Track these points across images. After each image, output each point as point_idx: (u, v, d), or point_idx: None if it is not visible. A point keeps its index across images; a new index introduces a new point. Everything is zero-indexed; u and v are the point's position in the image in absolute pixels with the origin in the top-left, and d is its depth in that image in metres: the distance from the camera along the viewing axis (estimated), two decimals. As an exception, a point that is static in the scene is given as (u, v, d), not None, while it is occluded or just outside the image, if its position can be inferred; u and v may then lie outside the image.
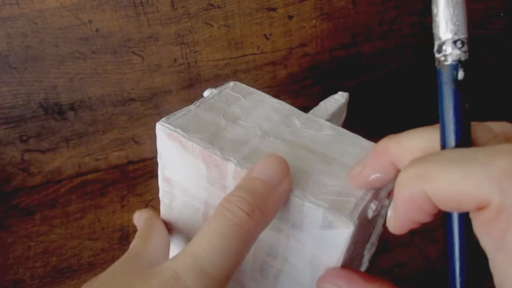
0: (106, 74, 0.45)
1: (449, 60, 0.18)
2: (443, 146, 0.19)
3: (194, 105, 0.28)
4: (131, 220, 0.43)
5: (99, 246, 0.41)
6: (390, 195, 0.24)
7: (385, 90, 0.54)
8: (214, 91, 0.30)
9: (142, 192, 0.47)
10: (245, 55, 0.47)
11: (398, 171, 0.21)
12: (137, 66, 0.45)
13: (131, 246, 0.27)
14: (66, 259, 0.40)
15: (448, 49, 0.18)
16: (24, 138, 0.46)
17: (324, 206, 0.22)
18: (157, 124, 0.26)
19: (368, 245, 0.29)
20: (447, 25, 0.19)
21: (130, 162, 0.50)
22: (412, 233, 0.40)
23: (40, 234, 0.43)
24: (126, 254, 0.25)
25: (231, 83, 0.31)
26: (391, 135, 0.21)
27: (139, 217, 0.30)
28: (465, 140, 0.18)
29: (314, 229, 0.23)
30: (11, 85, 0.43)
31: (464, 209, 0.17)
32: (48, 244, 0.42)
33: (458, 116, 0.18)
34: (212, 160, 0.25)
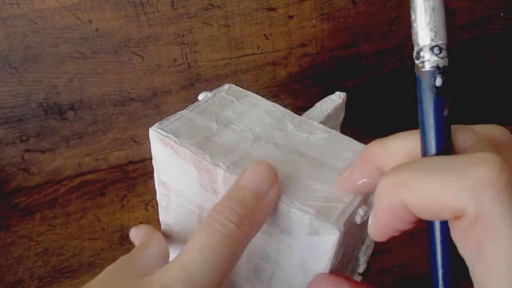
0: (106, 74, 0.45)
1: (427, 67, 0.18)
2: (424, 153, 0.18)
3: (187, 109, 0.29)
4: (131, 220, 0.43)
5: (99, 246, 0.41)
6: (367, 202, 0.24)
7: (385, 90, 0.54)
8: (209, 94, 0.30)
9: (142, 192, 0.47)
10: (245, 55, 0.47)
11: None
12: (137, 66, 0.45)
13: (131, 252, 0.27)
14: (66, 259, 0.40)
15: (426, 55, 0.18)
16: (24, 138, 0.46)
17: (311, 213, 0.22)
18: (150, 130, 0.27)
19: (363, 248, 0.29)
20: (424, 31, 0.19)
21: (130, 162, 0.50)
22: (412, 233, 0.40)
23: (40, 234, 0.43)
24: (119, 261, 0.25)
25: (226, 86, 0.31)
26: (378, 139, 0.21)
27: (137, 233, 0.31)
28: (445, 147, 0.18)
29: (302, 235, 0.23)
30: (11, 85, 0.43)
31: (441, 218, 0.17)
32: (48, 244, 0.42)
33: (437, 123, 0.18)
34: (202, 165, 0.25)
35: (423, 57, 0.18)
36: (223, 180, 0.25)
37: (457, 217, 0.16)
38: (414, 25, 0.19)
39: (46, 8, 0.40)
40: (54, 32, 0.41)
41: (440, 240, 0.19)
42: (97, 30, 0.42)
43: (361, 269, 0.32)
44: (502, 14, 0.53)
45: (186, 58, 0.46)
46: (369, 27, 0.49)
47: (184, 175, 0.27)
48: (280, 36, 0.47)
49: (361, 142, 0.51)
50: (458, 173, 0.16)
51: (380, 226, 0.19)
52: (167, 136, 0.26)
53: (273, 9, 0.45)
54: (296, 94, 0.51)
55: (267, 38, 0.47)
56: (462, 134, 0.18)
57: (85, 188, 0.47)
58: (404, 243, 0.39)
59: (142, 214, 0.44)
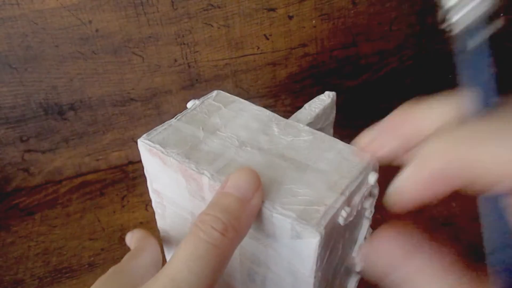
0: (106, 74, 0.45)
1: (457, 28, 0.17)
2: (478, 114, 0.17)
3: (175, 118, 0.29)
4: (131, 220, 0.43)
5: (99, 246, 0.41)
6: (350, 203, 0.24)
7: (385, 90, 0.54)
8: (197, 102, 0.31)
9: (142, 192, 0.46)
10: (245, 55, 0.47)
11: (420, 141, 0.19)
12: (137, 66, 0.45)
13: (124, 258, 0.27)
14: (66, 259, 0.40)
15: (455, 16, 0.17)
16: (24, 138, 0.46)
17: (292, 217, 0.22)
18: (139, 141, 0.28)
19: (357, 247, 0.29)
20: None
21: (130, 162, 0.50)
22: (412, 233, 0.40)
23: (40, 234, 0.43)
24: (110, 271, 0.25)
25: (214, 93, 0.32)
26: (408, 104, 0.19)
27: (131, 237, 0.31)
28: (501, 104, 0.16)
29: (285, 239, 0.23)
30: (11, 85, 0.43)
31: (499, 190, 0.16)
32: (48, 244, 0.42)
33: (483, 84, 0.17)
34: (189, 174, 0.26)
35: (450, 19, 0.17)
36: (208, 187, 0.25)
37: None
38: None
39: (46, 8, 0.40)
40: (54, 32, 0.41)
41: (497, 215, 0.17)
42: (97, 30, 0.42)
43: (358, 267, 0.32)
44: (502, 14, 0.53)
45: (186, 58, 0.46)
46: (369, 27, 0.49)
47: (174, 183, 0.28)
48: (280, 36, 0.47)
49: (361, 142, 0.50)
50: None
51: (415, 193, 0.18)
52: (154, 147, 0.27)
53: (273, 9, 0.45)
54: (296, 94, 0.51)
55: (267, 38, 0.47)
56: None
57: (85, 188, 0.47)
58: (404, 243, 0.39)
59: (142, 214, 0.44)
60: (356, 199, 0.25)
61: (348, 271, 0.32)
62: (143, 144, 0.27)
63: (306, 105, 0.33)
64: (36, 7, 0.40)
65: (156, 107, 0.48)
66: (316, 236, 0.22)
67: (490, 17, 0.17)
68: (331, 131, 0.37)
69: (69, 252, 0.41)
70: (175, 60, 0.46)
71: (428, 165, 0.17)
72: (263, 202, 0.23)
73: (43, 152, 0.47)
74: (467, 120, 0.17)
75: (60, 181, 0.48)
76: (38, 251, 0.41)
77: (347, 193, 0.24)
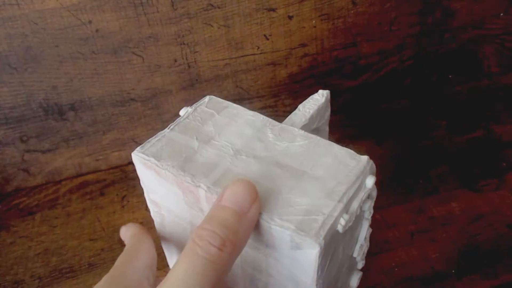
0: (106, 74, 0.45)
1: None
2: None
3: (169, 128, 0.29)
4: (131, 220, 0.43)
5: (99, 246, 0.41)
6: (349, 210, 0.25)
7: (385, 90, 0.54)
8: (189, 109, 0.30)
9: (142, 193, 0.46)
10: (245, 55, 0.47)
11: None
12: (137, 66, 0.45)
13: (115, 264, 0.27)
14: (66, 259, 0.40)
15: None
16: (24, 138, 0.46)
17: (291, 228, 0.22)
18: (133, 154, 0.27)
19: (357, 247, 0.29)
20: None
21: (130, 163, 0.50)
22: (412, 233, 0.40)
23: (40, 234, 0.43)
24: (105, 278, 0.25)
25: (206, 98, 0.31)
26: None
27: (125, 232, 0.30)
28: None
29: (285, 250, 0.23)
30: (11, 85, 0.43)
31: None
32: (48, 244, 0.42)
33: None
34: (185, 186, 0.25)
35: None
36: (206, 200, 0.25)
37: None
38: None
39: (46, 8, 0.40)
40: (54, 32, 0.41)
41: None
42: (97, 30, 0.42)
43: (359, 265, 0.32)
44: (502, 14, 0.53)
45: (186, 58, 0.46)
46: (369, 27, 0.49)
47: (171, 195, 0.27)
48: (280, 36, 0.47)
49: (361, 142, 0.51)
50: None
51: None
52: (148, 160, 0.27)
53: (273, 9, 0.45)
54: (296, 94, 0.51)
55: (267, 38, 0.47)
56: None
57: (85, 188, 0.47)
58: (404, 243, 0.39)
59: (142, 214, 0.44)
60: (355, 204, 0.24)
61: (351, 269, 0.32)
62: (137, 157, 0.27)
63: (300, 106, 0.33)
64: (36, 7, 0.40)
65: (156, 107, 0.48)
66: (316, 248, 0.22)
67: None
68: (327, 128, 0.37)
69: (69, 252, 0.41)
70: (175, 60, 0.46)
71: None
72: (261, 213, 0.23)
73: (43, 152, 0.47)
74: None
75: (60, 181, 0.48)
76: (38, 251, 0.41)
77: (344, 200, 0.24)
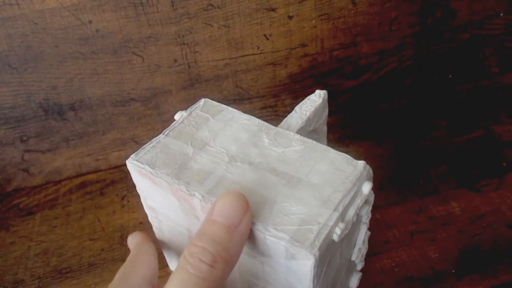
0: (106, 74, 0.45)
1: None
2: None
3: (163, 133, 0.29)
4: (131, 220, 0.43)
5: (99, 246, 0.41)
6: (344, 219, 0.25)
7: (385, 90, 0.54)
8: (184, 113, 0.30)
9: (142, 192, 0.47)
10: (245, 55, 0.47)
11: None
12: (137, 66, 0.45)
13: (118, 272, 0.27)
14: (66, 259, 0.40)
15: None
16: (24, 138, 0.46)
17: (285, 239, 0.22)
18: (127, 162, 0.27)
19: (355, 251, 0.29)
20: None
21: (130, 162, 0.50)
22: (412, 233, 0.40)
23: (40, 234, 0.43)
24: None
25: (202, 101, 0.31)
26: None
27: (131, 241, 0.30)
28: None
29: (281, 259, 0.23)
30: (11, 85, 0.43)
31: None
32: (48, 244, 0.42)
33: None
34: (180, 195, 0.25)
35: None
36: (200, 208, 0.25)
37: None
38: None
39: (46, 8, 0.40)
40: (54, 32, 0.41)
41: None
42: (97, 30, 0.42)
43: (359, 267, 0.32)
44: (502, 14, 0.53)
45: (186, 58, 0.46)
46: (369, 27, 0.49)
47: (167, 202, 0.27)
48: (280, 36, 0.47)
49: (361, 142, 0.51)
50: None
51: None
52: (143, 168, 0.26)
53: (273, 9, 0.45)
54: (296, 94, 0.51)
55: (267, 38, 0.47)
56: None
57: (85, 188, 0.47)
58: (404, 243, 0.39)
59: (142, 214, 0.44)
60: (351, 212, 0.24)
61: (350, 270, 0.32)
62: (131, 165, 0.27)
63: (297, 108, 0.33)
64: (36, 7, 0.40)
65: (156, 107, 0.48)
66: (311, 259, 0.21)
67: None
68: (325, 128, 0.36)
69: (69, 252, 0.41)
70: (175, 60, 0.46)
71: None
72: (255, 223, 0.23)
73: (43, 152, 0.47)
74: None
75: (60, 181, 0.48)
76: (38, 251, 0.41)
77: (340, 208, 0.23)
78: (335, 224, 0.23)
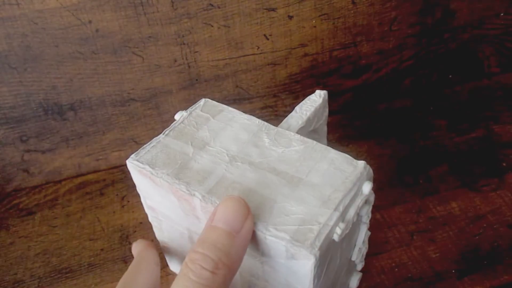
0: (106, 74, 0.45)
1: None
2: None
3: (163, 133, 0.29)
4: (131, 220, 0.43)
5: (99, 246, 0.41)
6: (345, 219, 0.25)
7: (385, 90, 0.54)
8: (184, 113, 0.30)
9: (142, 192, 0.47)
10: (245, 55, 0.47)
11: None
12: (137, 66, 0.45)
13: (120, 281, 0.27)
14: (66, 259, 0.40)
15: None
16: (24, 138, 0.46)
17: (286, 239, 0.22)
18: (127, 162, 0.27)
19: (355, 251, 0.29)
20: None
21: (130, 162, 0.50)
22: (412, 233, 0.40)
23: (40, 234, 0.43)
24: None
25: (202, 101, 0.31)
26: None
27: (135, 249, 0.31)
28: None
29: (281, 259, 0.23)
30: (11, 85, 0.43)
31: None
32: (48, 244, 0.42)
33: None
34: (180, 195, 0.25)
35: None
36: (201, 208, 0.25)
37: None
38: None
39: (46, 8, 0.40)
40: (54, 32, 0.41)
41: None
42: (97, 30, 0.42)
43: (359, 267, 0.32)
44: (502, 14, 0.53)
45: (186, 58, 0.46)
46: (369, 27, 0.49)
47: (167, 202, 0.27)
48: (280, 36, 0.47)
49: (361, 142, 0.51)
50: None
51: None
52: (143, 168, 0.26)
53: (273, 9, 0.45)
54: (296, 94, 0.51)
55: (267, 38, 0.47)
56: None
57: (85, 188, 0.47)
58: (404, 243, 0.39)
59: (142, 214, 0.44)
60: (351, 212, 0.24)
61: (350, 270, 0.32)
62: (132, 164, 0.27)
63: (297, 108, 0.33)
64: (36, 7, 0.40)
65: (156, 107, 0.48)
66: (311, 259, 0.21)
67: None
68: (325, 128, 0.37)
69: (69, 252, 0.41)
70: (175, 60, 0.46)
71: None
72: (256, 223, 0.23)
73: (43, 152, 0.47)
74: None
75: (60, 181, 0.48)
76: (38, 251, 0.41)
77: (341, 208, 0.23)
78: (336, 224, 0.23)
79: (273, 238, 0.22)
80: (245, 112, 0.30)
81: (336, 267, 0.26)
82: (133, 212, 0.44)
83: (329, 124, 0.37)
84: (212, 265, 0.20)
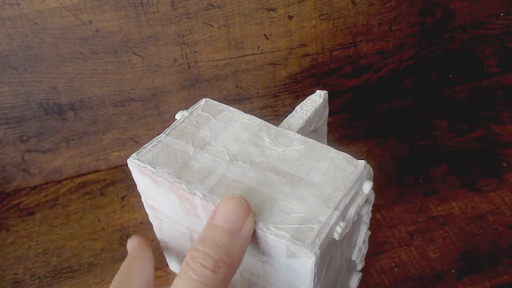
0: (106, 74, 0.45)
1: None
2: None
3: (164, 133, 0.29)
4: (131, 220, 0.43)
5: (99, 246, 0.41)
6: (345, 218, 0.25)
7: (385, 90, 0.54)
8: (185, 113, 0.30)
9: (142, 192, 0.47)
10: (245, 55, 0.47)
11: None
12: (137, 66, 0.45)
13: (114, 280, 0.27)
14: (66, 259, 0.40)
15: None
16: (24, 138, 0.46)
17: (286, 237, 0.22)
18: (128, 161, 0.27)
19: (356, 250, 0.29)
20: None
21: (130, 162, 0.50)
22: (412, 233, 0.40)
23: (40, 234, 0.43)
24: None
25: (203, 101, 0.31)
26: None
27: (130, 245, 0.31)
28: None
29: (281, 258, 0.23)
30: (11, 85, 0.43)
31: None
32: (48, 244, 0.42)
33: None
34: (181, 194, 0.25)
35: None
36: (201, 207, 0.25)
37: None
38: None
39: (46, 8, 0.40)
40: (54, 32, 0.41)
41: None
42: (97, 30, 0.42)
43: (359, 267, 0.32)
44: (502, 14, 0.53)
45: (186, 58, 0.46)
46: (369, 27, 0.49)
47: (167, 201, 0.27)
48: (280, 36, 0.47)
49: (361, 142, 0.51)
50: None
51: None
52: (144, 167, 0.26)
53: (273, 9, 0.45)
54: (296, 94, 0.51)
55: (267, 38, 0.47)
56: None
57: (85, 188, 0.47)
58: (404, 243, 0.39)
59: (142, 214, 0.44)
60: (351, 211, 0.24)
61: (350, 270, 0.32)
62: (132, 163, 0.27)
63: (298, 108, 0.33)
64: (36, 7, 0.40)
65: (156, 107, 0.48)
66: (311, 257, 0.21)
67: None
68: (325, 129, 0.37)
69: (69, 252, 0.41)
70: (175, 60, 0.46)
71: None
72: (256, 222, 0.23)
73: (43, 152, 0.47)
74: None
75: (60, 181, 0.48)
76: (38, 251, 0.41)
77: (341, 207, 0.23)
78: (336, 223, 0.23)
79: (274, 236, 0.22)
80: (245, 112, 0.30)
81: (336, 266, 0.26)
82: (133, 212, 0.44)
83: (329, 124, 0.37)
84: (213, 264, 0.20)
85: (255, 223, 0.23)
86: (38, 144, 0.47)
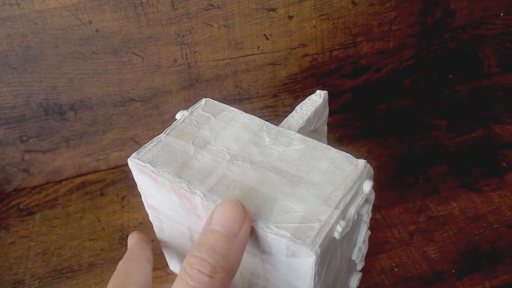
0: (106, 74, 0.45)
1: None
2: None
3: (165, 132, 0.29)
4: (131, 220, 0.43)
5: (99, 246, 0.41)
6: (345, 217, 0.25)
7: (384, 90, 0.54)
8: (185, 113, 0.30)
9: (142, 192, 0.46)
10: (245, 55, 0.47)
11: None
12: (137, 66, 0.45)
13: (111, 281, 0.27)
14: (66, 259, 0.40)
15: None
16: (24, 138, 0.46)
17: (287, 236, 0.22)
18: (129, 160, 0.27)
19: (356, 250, 0.29)
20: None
21: (130, 162, 0.50)
22: (412, 233, 0.40)
23: (40, 234, 0.43)
24: None
25: (203, 101, 0.31)
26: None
27: (129, 241, 0.31)
28: None
29: (282, 257, 0.23)
30: (11, 85, 0.43)
31: None
32: (48, 244, 0.42)
33: None
34: (181, 193, 0.25)
35: None
36: (202, 207, 0.25)
37: None
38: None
39: (46, 8, 0.40)
40: (54, 32, 0.41)
41: None
42: (97, 30, 0.42)
43: (359, 267, 0.32)
44: (502, 14, 0.53)
45: (186, 58, 0.46)
46: (369, 27, 0.49)
47: (168, 201, 0.27)
48: (280, 36, 0.47)
49: (361, 142, 0.51)
50: None
51: None
52: (144, 166, 0.26)
53: (273, 9, 0.45)
54: (296, 94, 0.51)
55: (267, 38, 0.47)
56: None
57: (85, 188, 0.47)
58: (404, 243, 0.39)
59: (142, 214, 0.44)
60: (352, 210, 0.24)
61: (350, 270, 0.32)
62: (133, 163, 0.27)
63: (298, 108, 0.33)
64: (36, 7, 0.40)
65: (156, 107, 0.48)
66: (312, 256, 0.21)
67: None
68: (325, 128, 0.37)
69: (69, 252, 0.41)
70: (175, 60, 0.46)
71: None
72: (256, 221, 0.23)
73: (43, 152, 0.47)
74: None
75: (60, 181, 0.48)
76: (38, 251, 0.41)
77: (341, 206, 0.24)
78: (336, 222, 0.23)
79: (274, 235, 0.22)
80: (245, 112, 0.31)
81: (336, 266, 0.26)
82: (133, 212, 0.44)
83: (329, 124, 0.37)
84: (210, 269, 0.20)
85: (256, 222, 0.23)
86: (38, 144, 0.47)
